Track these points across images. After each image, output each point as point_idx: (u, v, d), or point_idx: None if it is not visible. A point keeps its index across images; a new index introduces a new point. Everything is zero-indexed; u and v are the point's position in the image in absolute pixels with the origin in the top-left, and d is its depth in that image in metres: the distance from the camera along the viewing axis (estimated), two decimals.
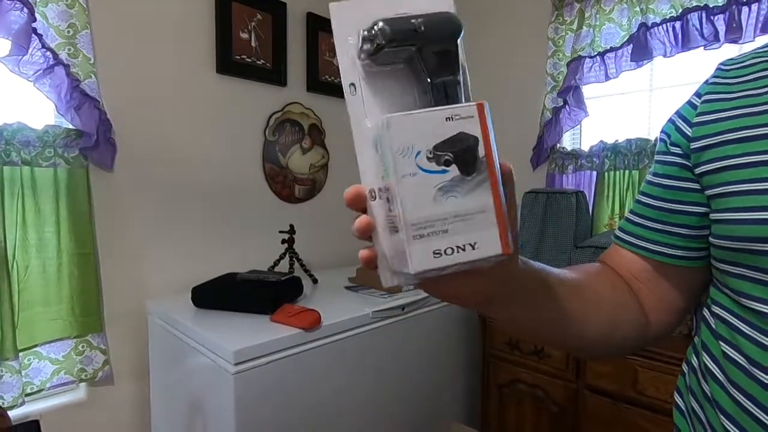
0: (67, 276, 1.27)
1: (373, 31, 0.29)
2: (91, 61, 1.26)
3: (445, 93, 0.29)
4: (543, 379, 1.35)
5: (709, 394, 0.41)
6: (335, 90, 1.91)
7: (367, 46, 0.29)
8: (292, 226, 1.54)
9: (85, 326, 1.29)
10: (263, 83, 1.68)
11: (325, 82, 1.87)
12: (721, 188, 0.39)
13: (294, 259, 1.52)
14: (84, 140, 1.26)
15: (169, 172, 1.46)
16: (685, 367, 0.47)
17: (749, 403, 0.36)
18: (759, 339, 0.36)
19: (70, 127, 1.25)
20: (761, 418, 0.35)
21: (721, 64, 0.46)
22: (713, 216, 0.41)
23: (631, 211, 0.50)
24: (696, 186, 0.43)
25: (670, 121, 0.48)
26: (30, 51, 1.16)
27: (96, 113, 1.26)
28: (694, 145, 0.43)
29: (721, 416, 0.39)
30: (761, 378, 0.35)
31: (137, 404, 1.41)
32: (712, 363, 0.41)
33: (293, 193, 1.81)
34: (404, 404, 1.38)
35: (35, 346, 1.24)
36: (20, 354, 1.19)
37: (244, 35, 1.62)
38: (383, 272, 0.31)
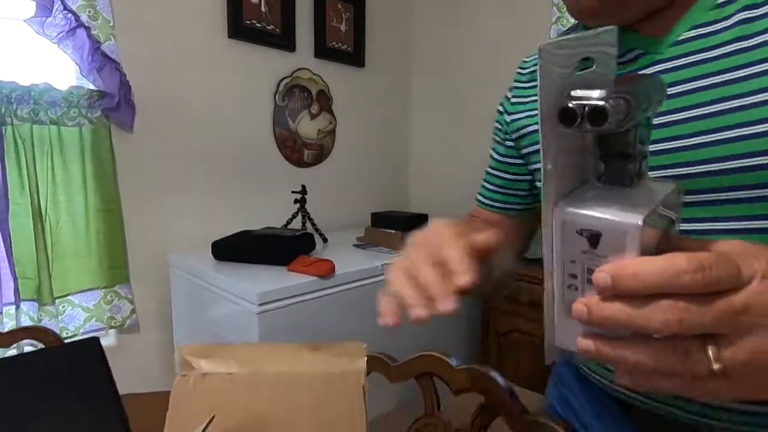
0: (94, 231, 1.35)
1: (618, 108, 0.23)
2: (111, 24, 1.30)
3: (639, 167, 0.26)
4: (539, 328, 1.45)
5: None
6: (342, 57, 1.94)
7: (598, 126, 0.23)
8: (304, 187, 1.61)
9: (112, 277, 1.39)
10: (273, 48, 1.72)
11: (332, 48, 1.91)
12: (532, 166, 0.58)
13: (306, 218, 1.60)
14: (106, 101, 1.32)
15: (185, 134, 1.52)
16: None
17: None
18: None
19: (93, 88, 1.31)
20: None
21: (519, 67, 0.62)
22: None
23: (486, 180, 0.67)
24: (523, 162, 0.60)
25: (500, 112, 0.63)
26: (53, 13, 1.20)
27: (117, 75, 1.32)
28: (514, 135, 0.59)
29: None
30: None
31: (163, 349, 1.52)
32: None
33: (302, 158, 1.88)
34: (410, 349, 1.49)
35: (68, 294, 1.33)
36: (56, 301, 1.28)
37: (254, 0, 1.65)
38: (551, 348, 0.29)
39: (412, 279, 0.37)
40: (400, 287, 0.38)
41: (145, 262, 1.46)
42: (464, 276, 0.34)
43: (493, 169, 0.65)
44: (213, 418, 0.37)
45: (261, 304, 1.07)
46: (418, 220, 1.60)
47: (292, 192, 1.62)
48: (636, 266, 0.23)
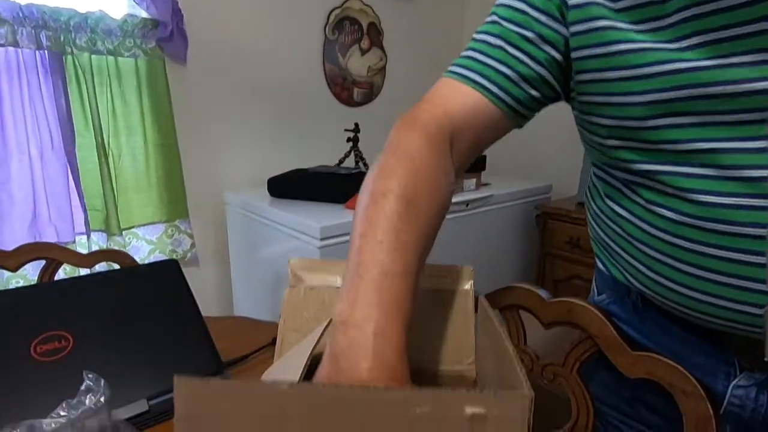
0: (153, 164, 1.36)
1: None
2: None
3: None
4: None
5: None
6: None
7: None
8: (357, 125, 1.56)
9: (172, 212, 1.41)
10: None
11: None
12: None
13: (359, 156, 1.56)
14: (160, 30, 1.28)
15: (236, 68, 1.48)
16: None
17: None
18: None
19: (147, 16, 1.27)
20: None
21: None
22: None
23: (476, 50, 0.44)
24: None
25: None
26: None
27: (169, 2, 1.27)
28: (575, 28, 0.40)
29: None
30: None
31: (221, 284, 1.57)
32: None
33: (352, 97, 1.81)
34: None
35: (133, 227, 1.37)
36: (123, 233, 1.32)
37: None
38: None
39: None
40: None
41: (202, 199, 1.48)
42: None
43: (494, 35, 0.43)
44: (330, 321, 0.35)
45: (323, 239, 1.06)
46: None
47: (345, 130, 1.57)
48: None
